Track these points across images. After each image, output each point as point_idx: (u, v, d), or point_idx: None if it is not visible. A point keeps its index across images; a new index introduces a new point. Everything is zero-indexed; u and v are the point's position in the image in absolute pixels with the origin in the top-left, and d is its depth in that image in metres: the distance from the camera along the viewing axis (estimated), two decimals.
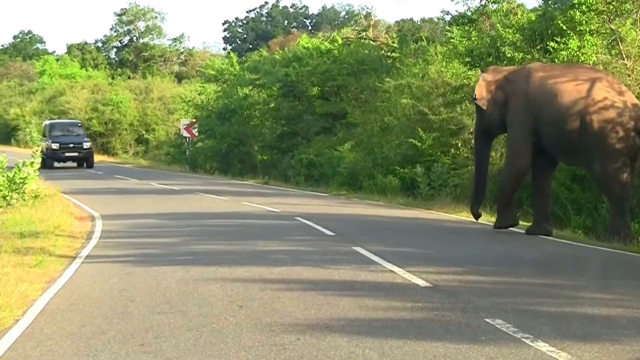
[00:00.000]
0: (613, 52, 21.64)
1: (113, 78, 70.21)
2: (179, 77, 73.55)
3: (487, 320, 7.72)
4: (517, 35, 24.26)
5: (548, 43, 22.89)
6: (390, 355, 6.59)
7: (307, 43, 39.88)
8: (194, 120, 43.52)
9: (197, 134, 43.17)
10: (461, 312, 8.18)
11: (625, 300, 8.93)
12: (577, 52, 22.02)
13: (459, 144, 25.20)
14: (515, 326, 7.46)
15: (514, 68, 17.74)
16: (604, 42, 22.10)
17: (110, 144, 58.30)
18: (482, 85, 16.64)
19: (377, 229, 16.34)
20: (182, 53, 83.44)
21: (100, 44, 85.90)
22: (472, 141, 25.13)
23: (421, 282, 9.77)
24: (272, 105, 38.01)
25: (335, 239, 14.34)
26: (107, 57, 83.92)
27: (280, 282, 9.97)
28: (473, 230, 16.31)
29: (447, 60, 26.92)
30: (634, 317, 8.08)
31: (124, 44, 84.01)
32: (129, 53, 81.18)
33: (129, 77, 71.33)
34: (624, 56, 21.07)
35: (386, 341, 6.98)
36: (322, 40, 40.76)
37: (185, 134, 43.64)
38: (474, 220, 17.34)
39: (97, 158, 53.25)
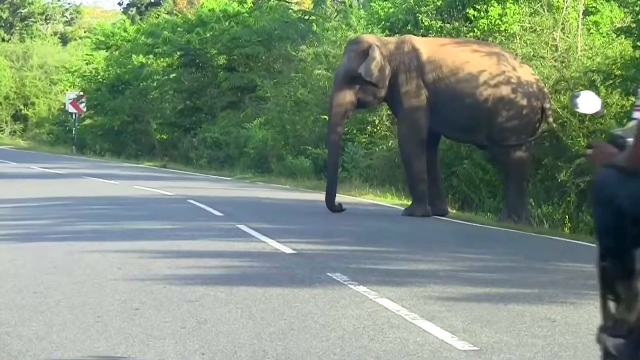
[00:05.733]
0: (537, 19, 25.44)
1: None
2: (64, 39, 75.79)
3: (328, 274, 11.61)
4: (438, 2, 28.16)
5: (467, 11, 26.91)
6: (237, 295, 10.43)
7: (211, 4, 42.96)
8: (82, 93, 45.96)
9: (84, 110, 45.69)
10: (310, 269, 12.09)
11: (463, 264, 12.91)
12: (498, 21, 26.09)
13: (376, 121, 28.97)
14: (349, 278, 11.34)
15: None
16: (528, 9, 26.06)
17: None
18: None
19: (267, 211, 20.29)
20: (67, 10, 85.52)
21: None
22: (396, 118, 29.07)
23: (287, 250, 13.67)
24: (173, 75, 41.23)
25: (222, 218, 18.27)
26: None
27: (159, 252, 13.75)
28: (362, 211, 20.33)
29: (369, 26, 30.60)
30: (456, 274, 12.03)
31: None
32: (2, 10, 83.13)
33: (3, 40, 73.17)
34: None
35: (236, 287, 10.80)
36: (230, 1, 44.02)
37: (71, 109, 46.18)
38: (373, 202, 21.35)
39: None
